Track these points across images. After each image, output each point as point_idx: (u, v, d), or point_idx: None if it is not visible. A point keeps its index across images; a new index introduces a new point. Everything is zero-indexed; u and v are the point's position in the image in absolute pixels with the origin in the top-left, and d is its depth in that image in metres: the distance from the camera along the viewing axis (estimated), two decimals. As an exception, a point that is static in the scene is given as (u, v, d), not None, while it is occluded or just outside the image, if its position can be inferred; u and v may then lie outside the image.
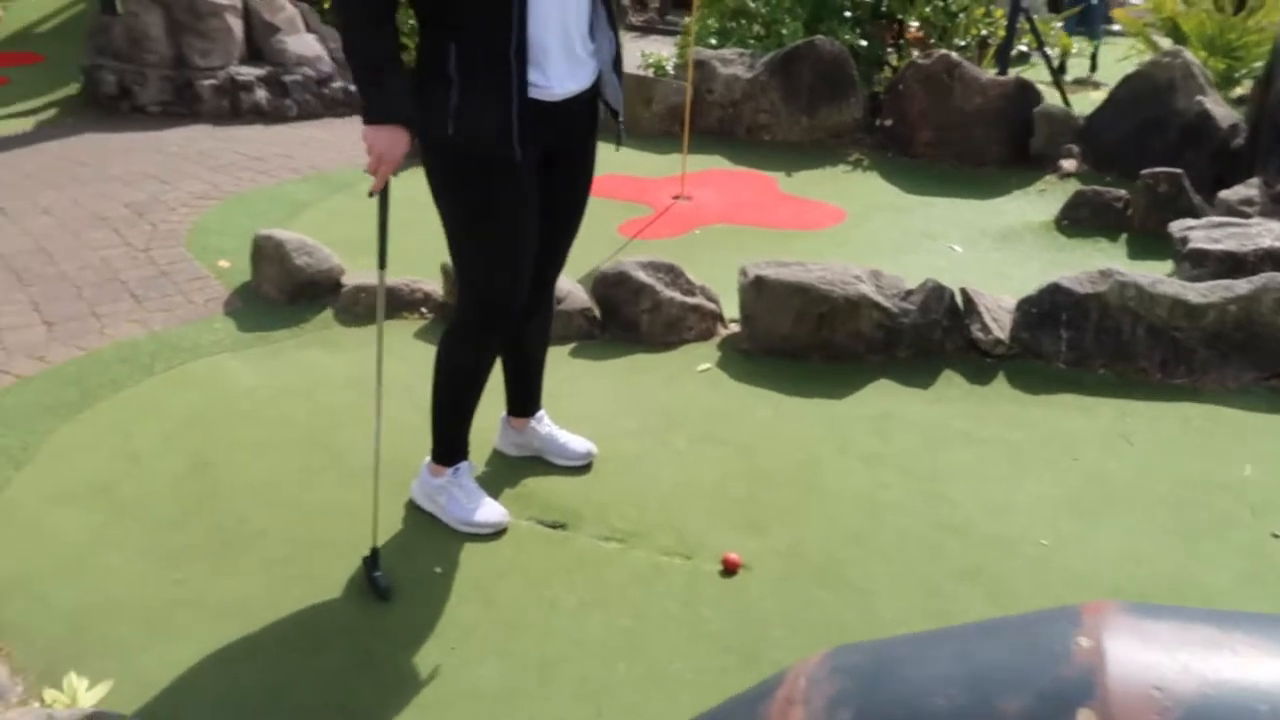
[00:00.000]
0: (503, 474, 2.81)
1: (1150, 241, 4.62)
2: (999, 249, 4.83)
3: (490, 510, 2.59)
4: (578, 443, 2.87)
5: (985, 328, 3.42)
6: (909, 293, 3.50)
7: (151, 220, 4.79)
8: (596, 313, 3.65)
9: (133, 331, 3.58)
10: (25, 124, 6.62)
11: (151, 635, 2.18)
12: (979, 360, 3.47)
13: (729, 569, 2.46)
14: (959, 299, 3.51)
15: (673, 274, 3.67)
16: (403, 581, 2.38)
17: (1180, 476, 2.80)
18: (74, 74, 7.38)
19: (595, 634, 2.24)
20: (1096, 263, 4.53)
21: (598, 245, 4.72)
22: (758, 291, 3.50)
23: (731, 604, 2.35)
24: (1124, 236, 4.76)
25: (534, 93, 2.21)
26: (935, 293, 3.45)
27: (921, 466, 2.90)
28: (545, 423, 2.88)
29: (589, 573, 2.44)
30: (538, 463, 2.86)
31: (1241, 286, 3.25)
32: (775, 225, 5.22)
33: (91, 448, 2.84)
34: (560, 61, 2.26)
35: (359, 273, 3.90)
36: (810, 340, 3.49)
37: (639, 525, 2.62)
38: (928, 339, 3.47)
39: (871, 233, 5.09)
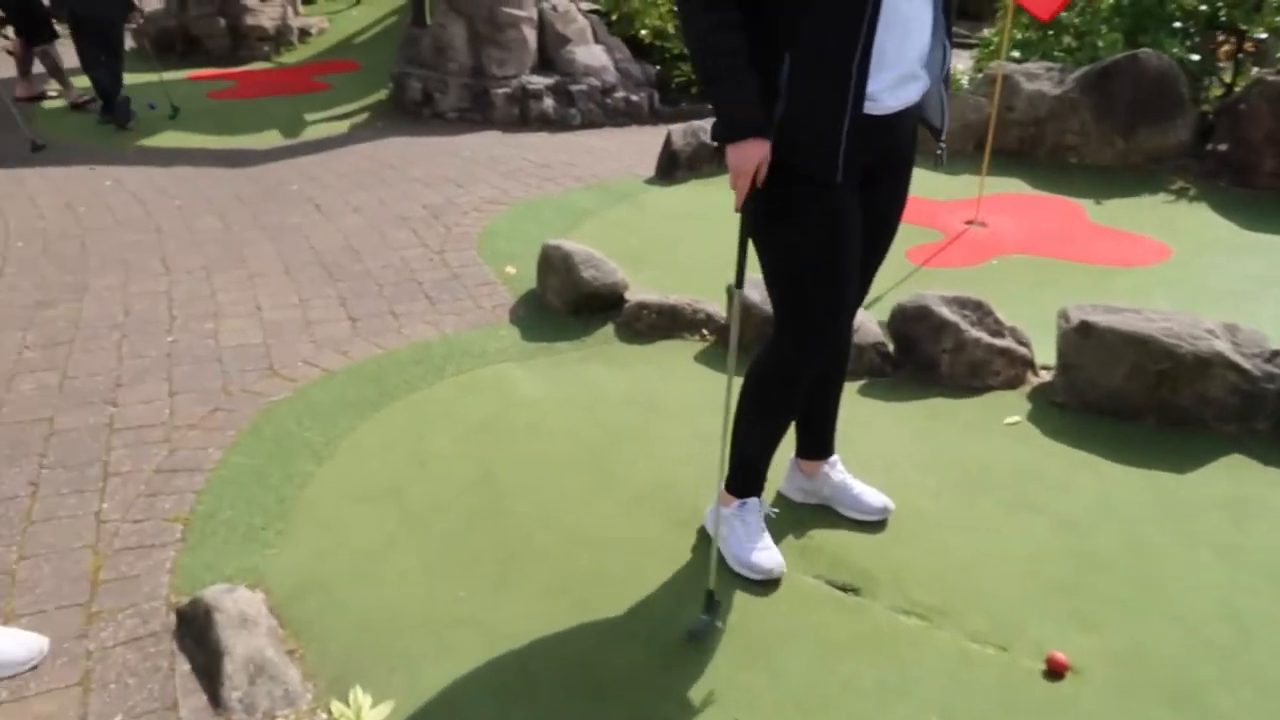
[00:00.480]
0: (788, 521, 2.59)
1: None
2: (1374, 304, 4.04)
3: (765, 556, 2.39)
4: (873, 496, 2.60)
5: (1380, 404, 2.81)
6: (1275, 354, 2.95)
7: (446, 223, 4.99)
8: (890, 348, 3.36)
9: (426, 333, 3.69)
10: (341, 127, 7.19)
11: (434, 653, 2.14)
12: (1366, 442, 2.86)
13: (1054, 670, 2.11)
14: (1344, 366, 2.91)
15: (980, 311, 3.30)
16: (677, 631, 2.21)
17: None
18: (384, 81, 7.96)
19: (897, 727, 1.97)
20: None
21: (883, 271, 4.40)
22: (1083, 339, 3.07)
23: (1059, 716, 2.00)
24: None
25: (867, 106, 2.02)
26: (1314, 357, 2.88)
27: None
28: (839, 469, 2.64)
29: (887, 650, 2.17)
30: (825, 513, 2.63)
31: None
32: (1085, 259, 4.67)
33: (387, 448, 2.90)
34: (896, 72, 2.05)
35: (641, 289, 3.82)
36: (1144, 400, 3.02)
37: (943, 600, 2.32)
38: (1298, 411, 2.90)
39: (1203, 274, 4.42)
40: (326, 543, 2.49)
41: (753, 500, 2.44)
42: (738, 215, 2.12)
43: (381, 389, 3.23)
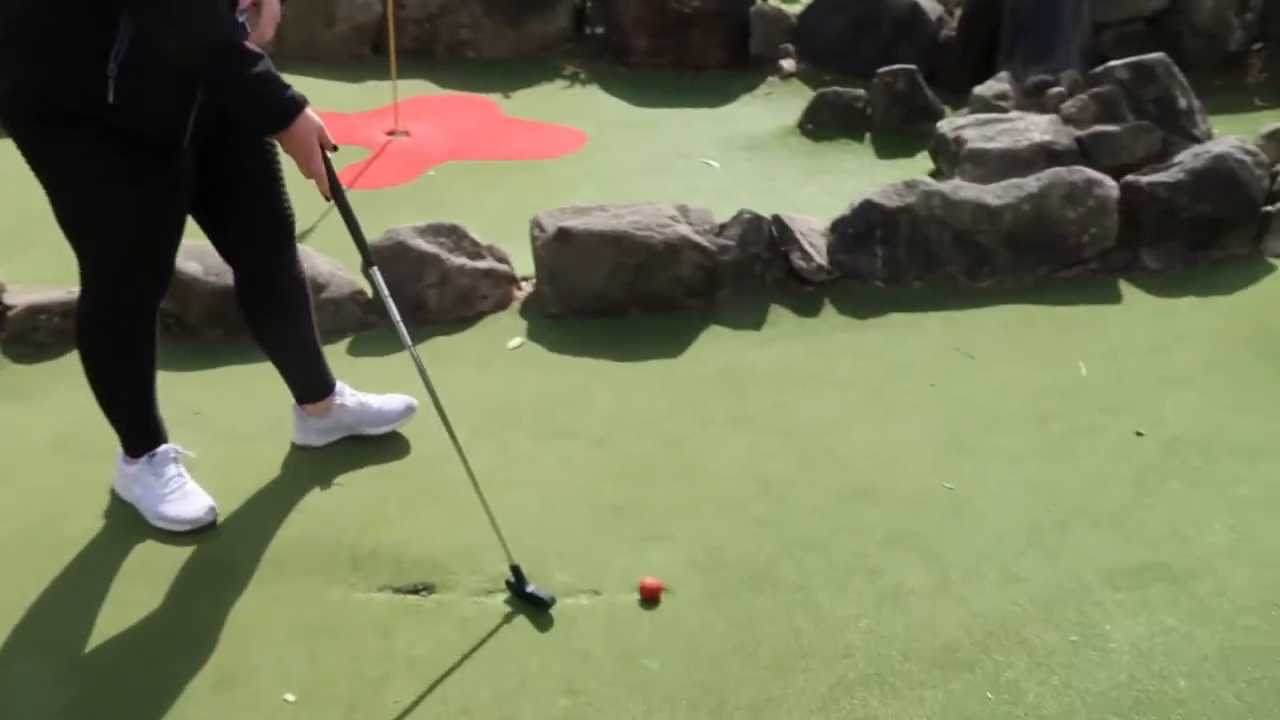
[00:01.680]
0: (335, 537, 2.18)
1: (892, 140, 4.66)
2: (752, 160, 4.66)
3: (182, 505, 2.16)
4: (394, 400, 2.46)
5: (805, 255, 3.21)
6: (723, 227, 3.19)
7: None
8: (370, 295, 2.99)
9: None
10: None
11: None
12: (799, 290, 3.26)
13: (649, 597, 2.06)
14: (773, 228, 3.25)
15: (455, 235, 3.08)
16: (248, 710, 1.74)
17: (1030, 389, 2.76)
18: None
19: (535, 734, 1.77)
20: (850, 166, 4.53)
21: (318, 200, 3.94)
22: (562, 246, 3.02)
23: (672, 642, 1.96)
24: (868, 136, 4.77)
25: None
26: (753, 224, 3.17)
27: (792, 424, 2.64)
28: (350, 393, 2.41)
29: (490, 649, 1.93)
30: (371, 511, 2.26)
31: (1031, 185, 3.28)
32: (515, 155, 4.69)
33: None
34: None
35: (21, 288, 2.89)
36: (626, 294, 3.09)
37: (521, 564, 2.13)
38: (747, 274, 3.19)
39: (621, 155, 4.71)
40: None
41: (161, 450, 2.19)
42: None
43: None
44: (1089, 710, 1.77)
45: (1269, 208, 3.34)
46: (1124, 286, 3.24)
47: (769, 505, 2.34)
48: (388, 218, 3.31)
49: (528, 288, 3.26)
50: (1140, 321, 3.06)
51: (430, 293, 2.98)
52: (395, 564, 2.13)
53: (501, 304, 3.13)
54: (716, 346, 3.01)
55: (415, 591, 2.07)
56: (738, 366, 2.90)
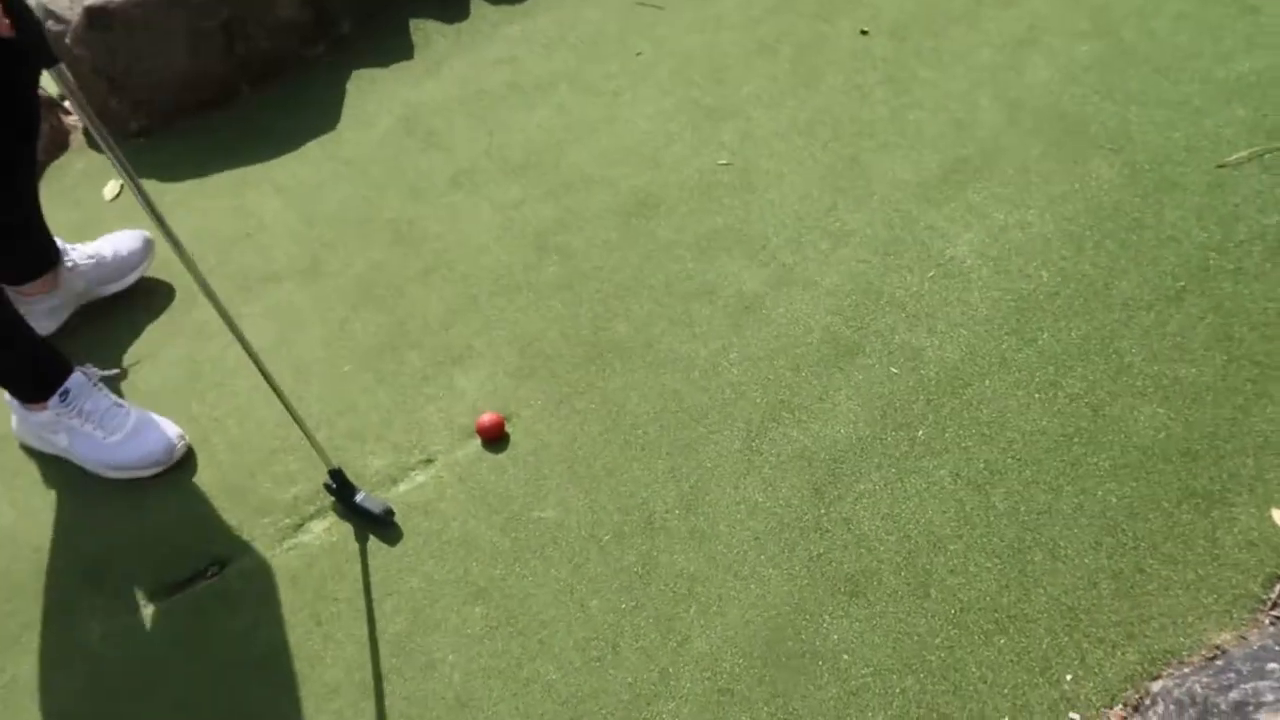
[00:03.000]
0: (18, 561, 1.48)
1: None
2: None
3: (136, 445, 1.59)
4: (125, 239, 1.88)
5: (423, -57, 2.50)
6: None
7: None
8: None
9: None
10: None
11: None
12: (432, -9, 2.60)
13: (493, 436, 1.64)
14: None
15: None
16: None
17: (736, 22, 2.45)
18: None
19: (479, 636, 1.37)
20: None
21: None
22: (104, 34, 2.09)
23: (551, 477, 1.58)
24: None
25: None
26: (347, -79, 2.38)
27: (520, 156, 2.16)
28: (73, 250, 1.82)
29: (350, 592, 1.45)
30: (58, 510, 1.56)
31: None
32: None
33: None
34: None
35: None
36: (225, 68, 2.28)
37: (321, 461, 1.59)
38: (365, -9, 2.46)
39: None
40: None
41: (73, 381, 1.59)
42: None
43: None
44: (986, 339, 1.68)
45: None
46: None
47: (556, 265, 1.91)
48: None
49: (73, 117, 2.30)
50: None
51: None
52: (150, 561, 1.50)
53: (58, 144, 2.20)
54: (376, 94, 2.35)
55: (202, 575, 1.49)
56: (417, 110, 2.29)
